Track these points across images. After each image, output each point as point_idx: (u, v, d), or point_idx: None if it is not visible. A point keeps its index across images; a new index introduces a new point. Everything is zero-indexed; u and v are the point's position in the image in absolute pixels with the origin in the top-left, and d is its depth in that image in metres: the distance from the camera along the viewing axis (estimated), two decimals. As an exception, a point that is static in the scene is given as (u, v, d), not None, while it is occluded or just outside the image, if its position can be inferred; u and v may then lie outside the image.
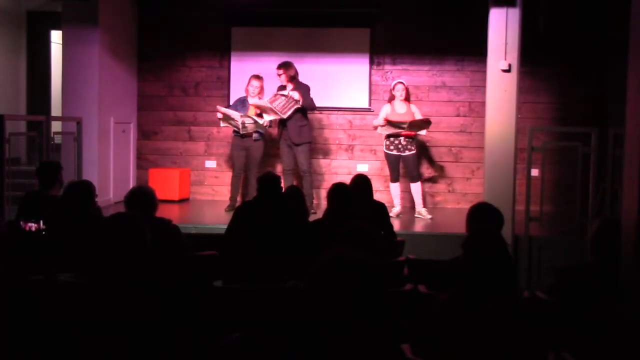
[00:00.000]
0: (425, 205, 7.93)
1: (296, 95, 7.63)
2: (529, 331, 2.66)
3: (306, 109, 7.75)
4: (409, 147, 7.64)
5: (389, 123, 7.56)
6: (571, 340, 3.04)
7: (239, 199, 7.96)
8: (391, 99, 7.82)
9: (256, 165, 7.90)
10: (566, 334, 3.08)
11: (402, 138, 7.62)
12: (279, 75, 7.78)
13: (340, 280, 2.14)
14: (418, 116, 7.67)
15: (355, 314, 2.14)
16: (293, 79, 7.77)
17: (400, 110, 7.70)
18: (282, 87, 7.84)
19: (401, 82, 7.86)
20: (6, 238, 2.87)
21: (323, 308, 2.15)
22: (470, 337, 2.60)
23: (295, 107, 7.61)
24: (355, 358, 2.13)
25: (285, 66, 7.79)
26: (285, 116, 7.59)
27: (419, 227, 7.32)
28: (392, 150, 7.69)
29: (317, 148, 8.82)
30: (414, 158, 7.74)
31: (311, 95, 7.77)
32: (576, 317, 3.19)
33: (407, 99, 7.85)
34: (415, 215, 7.80)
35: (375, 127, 7.93)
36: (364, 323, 2.16)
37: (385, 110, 7.77)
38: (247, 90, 7.88)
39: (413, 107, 7.82)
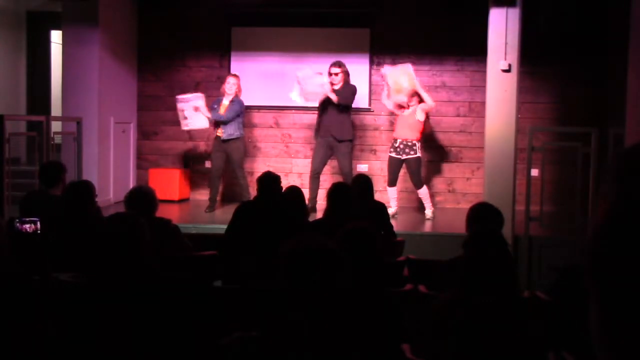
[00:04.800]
0: (433, 207, 7.85)
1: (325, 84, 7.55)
2: (529, 331, 2.66)
3: (340, 104, 7.58)
4: (407, 150, 7.51)
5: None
6: (571, 340, 3.04)
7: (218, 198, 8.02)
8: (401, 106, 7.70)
9: (240, 166, 7.91)
10: (566, 334, 3.08)
11: (399, 140, 7.57)
12: (336, 74, 7.60)
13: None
14: (419, 110, 7.56)
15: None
16: (348, 77, 7.69)
17: (405, 113, 7.65)
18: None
19: (416, 95, 7.63)
20: (5, 238, 2.86)
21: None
22: (470, 337, 2.60)
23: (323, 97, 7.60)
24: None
25: (342, 65, 7.66)
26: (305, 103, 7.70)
27: (419, 227, 7.31)
28: (392, 152, 7.65)
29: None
30: (416, 162, 7.57)
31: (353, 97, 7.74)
32: (576, 317, 3.19)
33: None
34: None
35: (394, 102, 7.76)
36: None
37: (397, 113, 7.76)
38: (223, 89, 7.85)
39: (418, 108, 7.61)
